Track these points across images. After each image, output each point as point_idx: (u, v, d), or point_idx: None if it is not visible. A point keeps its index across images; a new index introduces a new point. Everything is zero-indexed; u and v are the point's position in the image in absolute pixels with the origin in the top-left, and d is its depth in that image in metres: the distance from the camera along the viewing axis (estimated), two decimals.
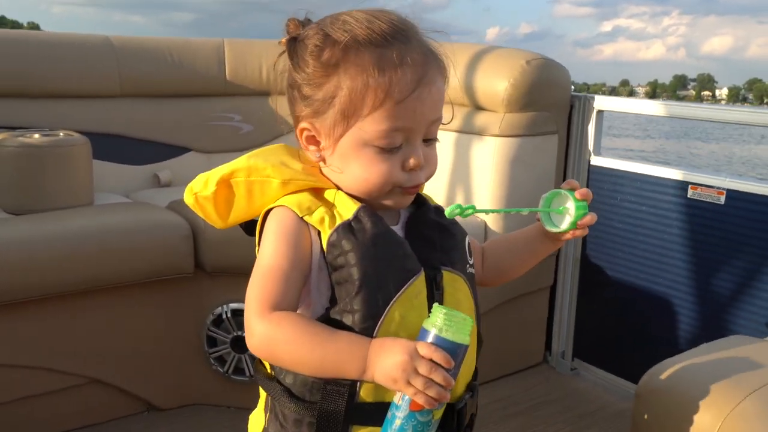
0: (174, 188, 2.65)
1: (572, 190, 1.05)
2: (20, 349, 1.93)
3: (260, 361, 1.03)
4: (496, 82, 2.33)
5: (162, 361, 2.15)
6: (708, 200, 2.11)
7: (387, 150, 0.95)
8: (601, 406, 2.34)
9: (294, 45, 1.00)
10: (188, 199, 1.06)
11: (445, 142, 2.45)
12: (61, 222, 2.02)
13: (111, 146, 2.61)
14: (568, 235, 1.08)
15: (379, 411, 0.91)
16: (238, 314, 2.14)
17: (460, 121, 2.43)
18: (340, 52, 0.94)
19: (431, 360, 0.84)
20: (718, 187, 2.09)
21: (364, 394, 0.92)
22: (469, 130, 2.41)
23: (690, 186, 2.15)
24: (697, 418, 1.14)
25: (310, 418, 0.93)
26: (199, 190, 1.04)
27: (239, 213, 1.05)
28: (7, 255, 1.84)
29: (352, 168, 0.98)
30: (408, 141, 0.96)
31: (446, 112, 1.03)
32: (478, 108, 2.43)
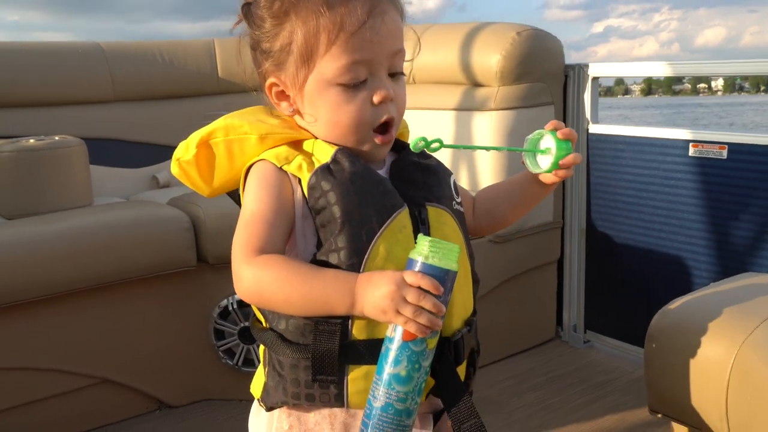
0: (173, 189, 2.64)
1: (555, 130, 1.02)
2: (28, 352, 1.91)
3: (256, 318, 1.02)
4: (489, 56, 2.32)
5: (171, 357, 2.14)
6: (710, 156, 2.09)
7: (351, 86, 0.95)
8: (617, 375, 2.31)
9: (248, 8, 1.01)
10: (173, 168, 1.06)
11: (444, 119, 2.44)
12: (61, 222, 2.01)
13: (108, 150, 2.61)
14: (552, 177, 1.05)
15: (373, 348, 0.90)
16: (245, 305, 2.12)
17: (458, 98, 2.42)
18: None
19: (419, 287, 0.84)
20: (720, 142, 2.06)
21: (357, 332, 0.91)
22: (466, 107, 2.40)
23: (691, 144, 2.13)
24: (710, 350, 1.11)
25: (306, 361, 0.92)
26: (181, 155, 1.04)
27: (222, 174, 1.05)
28: (8, 256, 1.83)
29: (321, 113, 0.98)
30: (372, 74, 0.96)
31: (409, 50, 1.01)
32: (474, 84, 2.42)
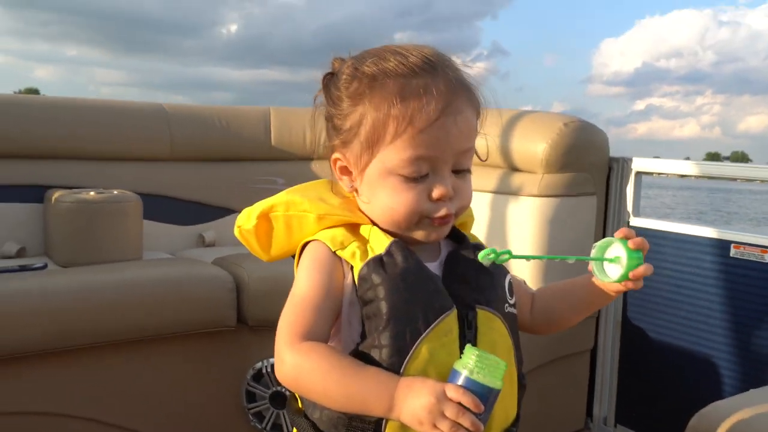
0: (218, 248, 2.72)
1: (626, 239, 0.99)
2: (65, 398, 1.95)
3: (293, 396, 1.03)
4: (534, 144, 2.38)
5: (201, 415, 2.16)
6: (752, 259, 2.09)
7: (412, 179, 0.95)
8: None
9: (330, 79, 1.04)
10: (236, 232, 1.10)
11: (483, 202, 2.49)
12: (111, 273, 2.09)
13: (159, 206, 2.70)
14: (620, 287, 1.02)
15: None
16: None
17: (497, 181, 2.47)
18: (367, 83, 0.97)
19: (459, 403, 0.82)
20: (762, 246, 2.07)
21: None
22: (506, 191, 2.45)
23: (732, 245, 2.14)
24: None
25: None
26: (243, 224, 1.07)
27: (279, 245, 1.07)
28: (57, 303, 1.90)
29: (378, 197, 0.98)
30: (434, 170, 0.96)
31: (483, 150, 1.03)
32: (515, 170, 2.48)
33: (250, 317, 2.14)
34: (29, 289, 1.91)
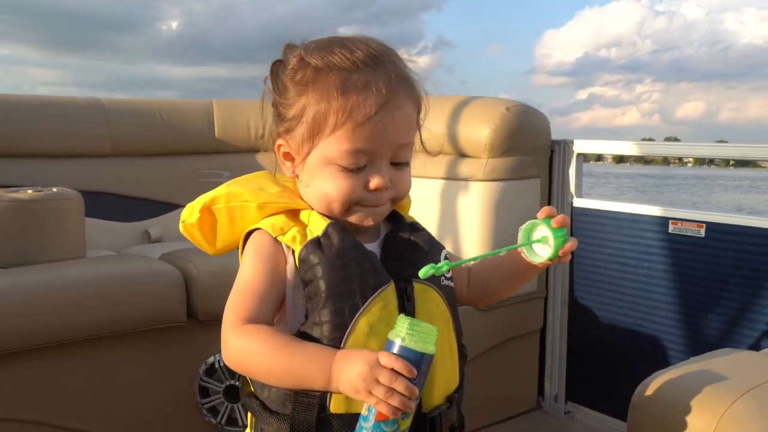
0: (164, 243, 2.67)
1: (549, 218, 1.03)
2: (14, 402, 1.90)
3: (245, 380, 1.06)
4: (479, 129, 2.42)
5: (155, 412, 2.13)
6: (689, 234, 2.17)
7: (349, 170, 0.99)
8: None
9: (278, 67, 1.07)
10: (181, 227, 1.12)
11: (432, 188, 2.52)
12: (54, 272, 2.03)
13: (102, 204, 2.65)
14: (549, 263, 1.06)
15: (349, 424, 0.92)
16: None
17: (446, 168, 2.50)
18: (311, 74, 1.00)
19: (392, 369, 0.85)
20: (698, 221, 2.15)
21: (335, 406, 0.94)
22: (455, 177, 2.48)
23: (671, 221, 2.22)
24: (691, 422, 1.16)
25: (286, 431, 0.95)
26: (186, 218, 1.10)
27: (224, 238, 1.10)
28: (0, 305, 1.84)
29: (317, 184, 1.02)
30: (372, 162, 1.00)
31: (434, 146, 1.08)
32: (463, 155, 2.51)
33: (200, 312, 2.12)
34: None
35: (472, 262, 1.15)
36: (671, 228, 2.21)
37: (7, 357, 1.86)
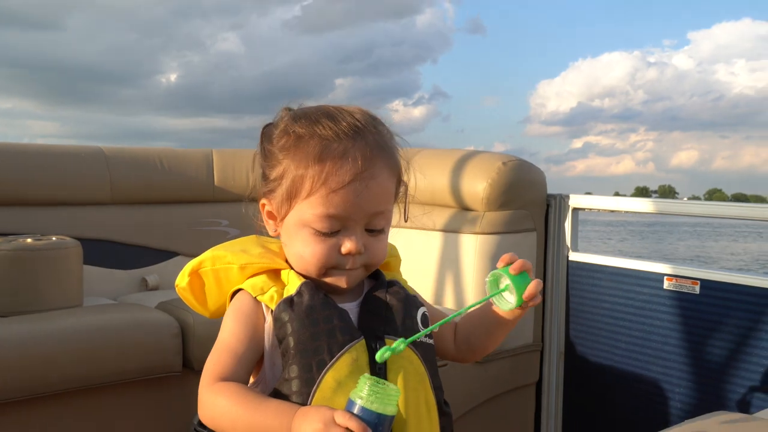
0: (161, 291, 2.67)
1: (509, 265, 1.06)
2: None
3: None
4: (476, 183, 2.45)
5: None
6: (683, 290, 2.19)
7: (323, 233, 1.03)
8: None
9: (267, 129, 1.13)
10: (177, 291, 1.17)
11: (431, 241, 2.54)
12: (51, 322, 2.03)
13: (100, 251, 2.65)
14: (521, 310, 1.08)
15: None
16: None
17: (444, 220, 2.53)
18: (294, 140, 1.05)
19: (347, 429, 0.86)
20: (693, 278, 2.17)
21: None
22: (452, 229, 2.50)
23: (666, 277, 2.23)
24: None
25: None
26: (179, 283, 1.15)
27: (214, 299, 1.15)
28: None
29: (294, 244, 1.07)
30: (345, 228, 1.04)
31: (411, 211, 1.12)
32: (461, 208, 2.54)
33: (196, 361, 2.11)
34: None
35: (458, 317, 1.16)
36: (666, 284, 2.23)
37: (2, 407, 1.84)
